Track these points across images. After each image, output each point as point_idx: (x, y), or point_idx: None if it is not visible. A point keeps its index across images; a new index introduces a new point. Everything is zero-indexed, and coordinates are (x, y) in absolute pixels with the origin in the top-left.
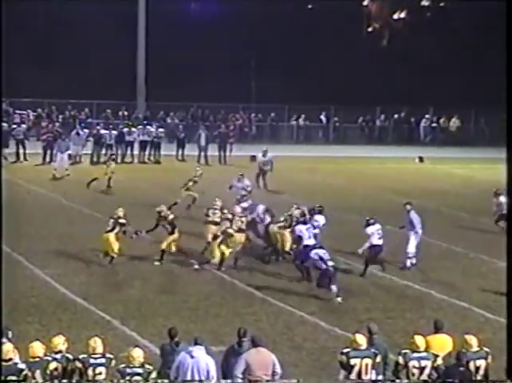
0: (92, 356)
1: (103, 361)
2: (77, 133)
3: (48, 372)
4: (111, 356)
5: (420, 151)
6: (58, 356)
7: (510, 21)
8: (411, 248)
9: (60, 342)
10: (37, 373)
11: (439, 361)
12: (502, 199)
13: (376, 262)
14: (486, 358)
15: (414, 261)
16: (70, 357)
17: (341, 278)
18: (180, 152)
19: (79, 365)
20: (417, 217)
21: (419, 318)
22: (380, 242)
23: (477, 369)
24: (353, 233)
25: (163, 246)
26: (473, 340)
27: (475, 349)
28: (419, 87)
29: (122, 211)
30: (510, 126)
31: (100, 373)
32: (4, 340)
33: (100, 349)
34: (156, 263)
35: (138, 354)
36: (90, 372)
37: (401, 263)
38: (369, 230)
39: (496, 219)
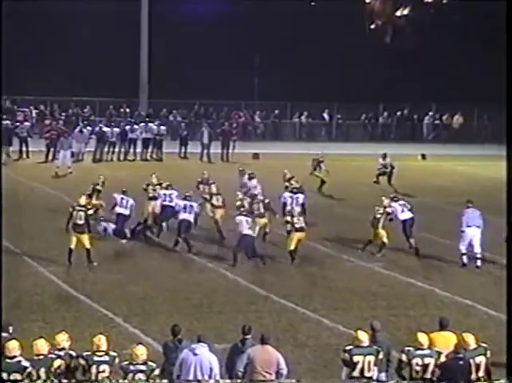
0: (96, 353)
1: (106, 358)
2: (80, 131)
3: (52, 369)
4: (115, 354)
5: (423, 148)
6: (62, 353)
7: (510, 21)
8: (478, 248)
9: (63, 339)
10: (42, 371)
11: (443, 359)
12: None
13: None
14: (485, 354)
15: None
16: (73, 354)
17: (345, 274)
18: (183, 150)
19: (82, 362)
20: (478, 214)
21: (422, 316)
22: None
23: (477, 366)
24: (357, 229)
25: None
26: (470, 338)
27: (473, 346)
28: (422, 84)
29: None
30: (510, 124)
31: (103, 371)
32: (5, 335)
33: (104, 347)
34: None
35: (141, 351)
36: (94, 369)
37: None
38: (394, 205)
39: None
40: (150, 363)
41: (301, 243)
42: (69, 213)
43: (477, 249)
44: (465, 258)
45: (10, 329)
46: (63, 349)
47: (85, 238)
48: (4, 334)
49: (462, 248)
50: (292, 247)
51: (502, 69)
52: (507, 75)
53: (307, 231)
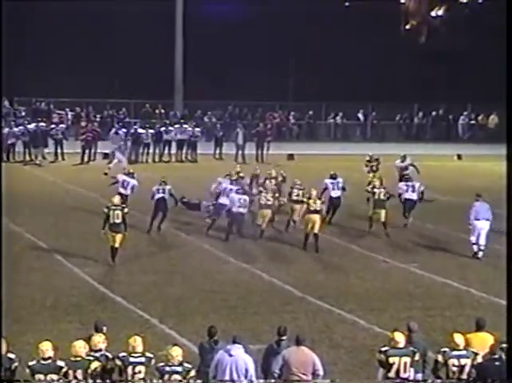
0: (132, 355)
1: (142, 360)
2: (116, 133)
3: (89, 371)
4: (150, 355)
5: (459, 148)
6: (98, 354)
7: (510, 21)
8: (482, 240)
9: (100, 341)
10: (78, 372)
11: (479, 359)
12: None
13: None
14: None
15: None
16: (109, 355)
17: (381, 275)
18: (218, 151)
19: (118, 363)
20: (487, 207)
21: (458, 316)
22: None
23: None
24: (394, 233)
25: None
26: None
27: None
28: (457, 84)
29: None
30: (510, 125)
31: (139, 372)
32: (99, 334)
33: (139, 348)
34: None
35: (177, 353)
36: (129, 370)
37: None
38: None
39: None
40: (185, 364)
41: (315, 227)
42: (105, 213)
43: (482, 241)
44: (475, 248)
45: (104, 329)
46: (99, 350)
47: (118, 238)
48: (98, 334)
49: (473, 238)
50: (307, 230)
51: None
52: (507, 75)
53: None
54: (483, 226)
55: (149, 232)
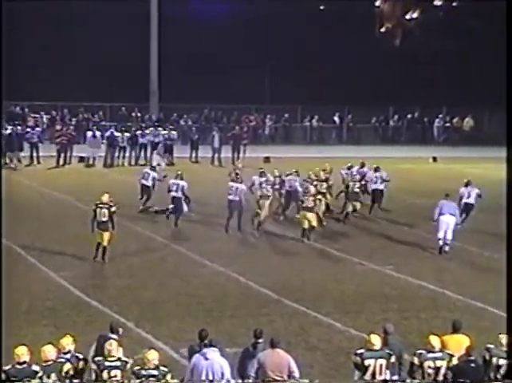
0: (108, 359)
1: (118, 364)
2: (93, 136)
3: (63, 374)
4: (126, 359)
5: (434, 151)
6: (68, 356)
7: (510, 21)
8: (449, 235)
9: (68, 342)
10: (52, 376)
11: (455, 361)
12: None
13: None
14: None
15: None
16: (80, 356)
17: (357, 277)
18: (194, 154)
19: (94, 367)
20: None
21: (433, 318)
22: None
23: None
24: (370, 236)
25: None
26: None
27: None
28: (432, 86)
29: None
30: (510, 125)
31: (115, 376)
32: (115, 336)
33: (115, 352)
34: None
35: (153, 356)
36: (105, 375)
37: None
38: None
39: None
40: (162, 368)
41: (312, 223)
42: (93, 211)
43: (449, 236)
44: (441, 243)
45: (120, 330)
46: (68, 352)
47: (106, 236)
48: (114, 336)
49: (440, 234)
50: (303, 226)
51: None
52: (507, 75)
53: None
54: (449, 220)
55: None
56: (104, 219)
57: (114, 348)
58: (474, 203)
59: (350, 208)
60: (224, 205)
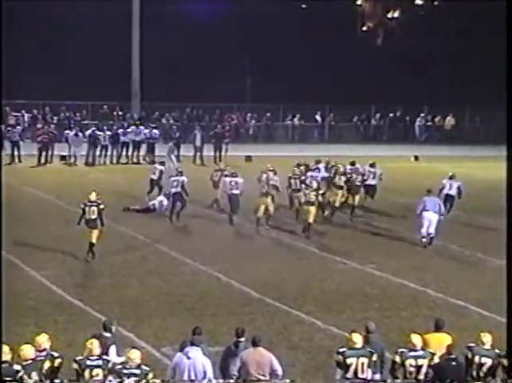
0: (89, 358)
1: (100, 362)
2: (75, 134)
3: (44, 371)
4: (108, 357)
5: (415, 149)
6: (44, 353)
7: (510, 21)
8: (432, 229)
9: (44, 341)
10: (34, 374)
11: (436, 360)
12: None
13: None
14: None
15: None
16: (55, 354)
17: (338, 276)
18: (176, 153)
19: (75, 366)
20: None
21: (415, 317)
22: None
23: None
24: (352, 235)
25: None
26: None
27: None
28: (414, 86)
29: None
30: (510, 125)
31: (96, 375)
32: (108, 335)
33: (97, 351)
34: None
35: (135, 355)
36: (87, 374)
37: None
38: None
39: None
40: (144, 367)
41: (309, 218)
42: (82, 209)
43: (432, 230)
44: (424, 240)
45: (114, 328)
46: (44, 350)
47: (95, 233)
48: (107, 334)
49: (424, 230)
50: (308, 219)
51: (493, 71)
52: (507, 75)
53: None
54: (431, 217)
55: (171, 221)
56: (93, 217)
57: (95, 347)
58: (455, 195)
59: (355, 202)
60: (206, 203)
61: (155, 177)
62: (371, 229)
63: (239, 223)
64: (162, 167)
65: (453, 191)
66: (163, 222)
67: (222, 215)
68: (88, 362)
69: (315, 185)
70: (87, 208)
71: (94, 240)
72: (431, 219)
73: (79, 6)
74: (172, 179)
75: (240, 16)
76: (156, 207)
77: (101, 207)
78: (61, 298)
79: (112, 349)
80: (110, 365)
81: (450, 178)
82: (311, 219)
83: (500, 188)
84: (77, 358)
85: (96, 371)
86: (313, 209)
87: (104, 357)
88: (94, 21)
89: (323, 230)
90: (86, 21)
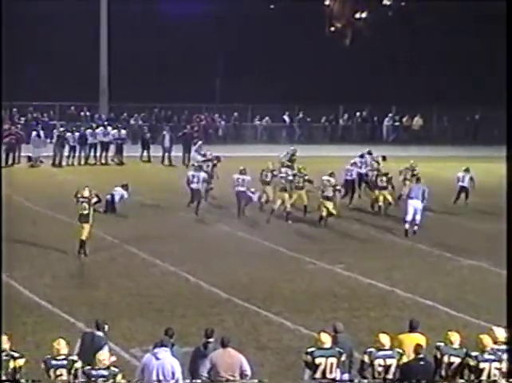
0: (55, 357)
1: (64, 362)
2: (38, 135)
3: (9, 370)
4: (73, 358)
5: (383, 150)
6: (4, 354)
7: (511, 21)
8: (418, 216)
9: (4, 341)
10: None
11: (405, 359)
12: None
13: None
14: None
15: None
16: (15, 354)
17: (307, 277)
18: (145, 153)
19: (43, 366)
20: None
21: (383, 317)
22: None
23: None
24: (321, 235)
25: None
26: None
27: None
28: (382, 86)
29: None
30: (510, 125)
31: (60, 375)
32: (101, 334)
33: (64, 351)
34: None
35: (104, 357)
36: (51, 373)
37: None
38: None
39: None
40: (112, 368)
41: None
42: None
43: (417, 217)
44: (407, 226)
45: (106, 327)
46: (4, 350)
47: (86, 229)
48: (99, 333)
49: (408, 217)
50: (322, 213)
51: (460, 71)
52: (507, 75)
53: None
54: (416, 204)
55: (197, 214)
56: (85, 213)
57: (62, 346)
58: (468, 186)
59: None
60: (175, 204)
61: (197, 186)
62: (340, 229)
63: (209, 224)
64: (204, 175)
65: (466, 183)
66: (132, 222)
67: (192, 214)
68: (54, 362)
69: (333, 181)
70: (79, 204)
71: (84, 237)
72: (415, 207)
73: (44, 6)
74: (191, 173)
75: (208, 16)
76: (115, 199)
77: (93, 201)
78: (28, 299)
79: (105, 349)
80: (77, 365)
81: (465, 171)
82: (325, 213)
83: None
84: (44, 358)
85: (60, 371)
86: (329, 204)
87: (70, 357)
88: (62, 20)
89: (292, 231)
90: (54, 21)
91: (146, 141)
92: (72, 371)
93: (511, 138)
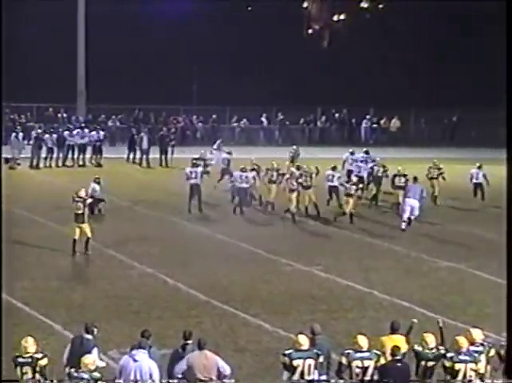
0: (23, 355)
1: (29, 360)
2: (16, 137)
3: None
4: (38, 356)
5: (361, 151)
6: (27, 356)
7: (511, 21)
8: (416, 211)
9: (30, 343)
10: None
11: (382, 361)
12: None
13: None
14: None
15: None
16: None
17: (285, 279)
18: (132, 155)
19: (13, 364)
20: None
21: (361, 318)
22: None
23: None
24: (299, 237)
25: None
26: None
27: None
28: (360, 87)
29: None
30: (510, 126)
31: (25, 373)
32: (89, 337)
33: (31, 349)
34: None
35: (89, 361)
36: (18, 371)
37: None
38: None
39: None
40: (95, 373)
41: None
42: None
43: (416, 212)
44: (403, 225)
45: (95, 330)
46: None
47: (86, 228)
48: (89, 336)
49: (405, 215)
50: (345, 210)
51: (438, 72)
52: (507, 75)
53: None
54: (413, 203)
55: (190, 212)
56: (80, 212)
57: (30, 344)
58: (482, 182)
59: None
60: (155, 204)
61: (224, 166)
62: (318, 231)
63: (187, 226)
64: (227, 156)
65: (480, 180)
66: (109, 224)
67: (170, 216)
68: (20, 359)
69: (355, 179)
70: (74, 204)
71: (77, 237)
72: (412, 206)
73: (20, 6)
74: (189, 169)
75: (186, 17)
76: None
77: (87, 202)
78: (6, 301)
79: (94, 352)
80: (42, 362)
81: (478, 168)
82: (348, 210)
83: (448, 189)
84: (13, 356)
85: (25, 368)
86: (351, 200)
87: (36, 355)
88: (39, 21)
89: (269, 233)
90: (31, 21)
91: (133, 143)
92: (37, 369)
93: (511, 139)
